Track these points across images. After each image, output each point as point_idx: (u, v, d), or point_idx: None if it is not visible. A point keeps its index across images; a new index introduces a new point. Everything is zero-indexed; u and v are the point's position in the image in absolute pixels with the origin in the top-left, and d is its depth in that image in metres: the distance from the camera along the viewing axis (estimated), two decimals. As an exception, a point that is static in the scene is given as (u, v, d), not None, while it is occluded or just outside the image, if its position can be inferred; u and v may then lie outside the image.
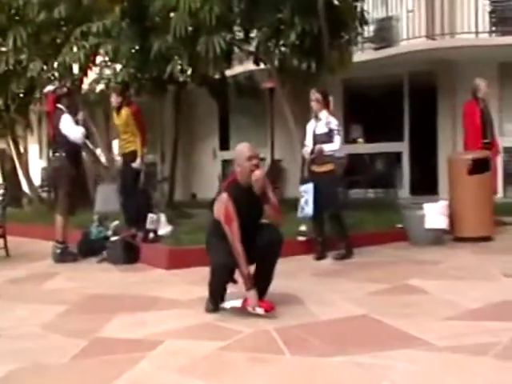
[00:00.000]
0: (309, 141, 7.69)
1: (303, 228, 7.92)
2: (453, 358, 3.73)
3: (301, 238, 7.80)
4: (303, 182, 7.57)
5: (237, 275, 4.86)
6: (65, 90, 8.34)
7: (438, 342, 4.04)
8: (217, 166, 17.05)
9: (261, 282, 4.72)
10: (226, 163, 16.19)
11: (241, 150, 4.51)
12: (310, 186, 7.32)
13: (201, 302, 5.22)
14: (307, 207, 7.26)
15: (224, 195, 4.40)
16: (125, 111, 8.80)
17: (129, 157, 8.77)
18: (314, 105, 7.63)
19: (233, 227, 4.30)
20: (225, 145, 16.87)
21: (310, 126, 7.79)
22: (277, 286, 5.26)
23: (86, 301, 5.77)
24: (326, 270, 6.79)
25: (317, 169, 7.48)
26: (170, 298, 5.67)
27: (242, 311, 4.81)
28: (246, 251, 4.46)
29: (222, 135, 17.27)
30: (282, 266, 5.51)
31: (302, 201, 7.35)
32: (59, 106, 8.17)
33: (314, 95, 7.63)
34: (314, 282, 6.07)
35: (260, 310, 4.68)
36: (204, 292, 5.14)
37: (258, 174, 4.36)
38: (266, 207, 4.50)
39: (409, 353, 3.85)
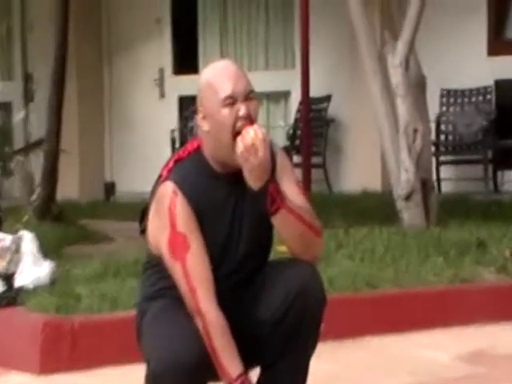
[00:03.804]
0: None
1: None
2: None
3: None
4: None
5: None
6: None
7: None
8: (168, 112, 11.92)
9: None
10: (191, 105, 10.61)
11: (209, 80, 3.32)
12: None
13: None
14: None
15: (167, 187, 3.32)
16: None
17: None
18: None
19: (189, 266, 3.22)
20: (186, 63, 11.73)
21: None
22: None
23: None
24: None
25: None
26: None
27: None
28: (234, 333, 3.25)
29: (178, 41, 12.00)
30: (334, 360, 4.72)
31: None
32: None
33: None
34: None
35: None
36: None
37: (250, 136, 3.21)
38: (279, 220, 3.27)
39: None
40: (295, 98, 10.79)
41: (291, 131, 10.89)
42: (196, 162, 3.31)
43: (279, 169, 3.27)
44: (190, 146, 3.37)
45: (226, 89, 3.21)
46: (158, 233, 3.28)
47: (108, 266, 6.39)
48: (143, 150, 11.78)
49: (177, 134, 11.47)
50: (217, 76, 3.25)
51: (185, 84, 11.19)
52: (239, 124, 3.19)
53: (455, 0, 10.53)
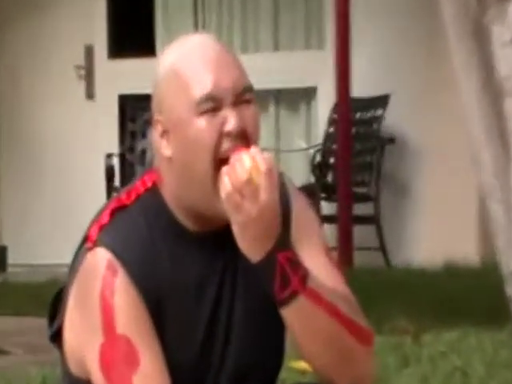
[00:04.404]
0: None
1: None
2: None
3: None
4: None
5: None
6: None
7: None
8: (101, 124, 12.59)
9: None
10: (141, 113, 10.99)
11: (174, 68, 3.40)
12: None
13: None
14: None
15: (99, 259, 3.43)
16: None
17: None
18: None
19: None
20: (133, 39, 12.38)
21: None
22: None
23: None
24: None
25: None
26: None
27: None
28: None
29: (118, 2, 12.69)
30: None
31: None
32: None
33: None
34: None
35: None
36: None
37: (244, 167, 3.32)
38: (295, 314, 3.40)
39: None
40: (325, 99, 11.15)
41: (319, 158, 11.08)
42: (150, 212, 3.33)
43: (296, 225, 3.31)
44: (141, 183, 3.38)
45: (203, 84, 3.21)
46: (82, 339, 3.31)
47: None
48: (57, 194, 12.05)
49: (116, 163, 11.46)
50: (188, 62, 3.24)
51: (130, 76, 11.48)
52: (226, 145, 3.20)
53: None
